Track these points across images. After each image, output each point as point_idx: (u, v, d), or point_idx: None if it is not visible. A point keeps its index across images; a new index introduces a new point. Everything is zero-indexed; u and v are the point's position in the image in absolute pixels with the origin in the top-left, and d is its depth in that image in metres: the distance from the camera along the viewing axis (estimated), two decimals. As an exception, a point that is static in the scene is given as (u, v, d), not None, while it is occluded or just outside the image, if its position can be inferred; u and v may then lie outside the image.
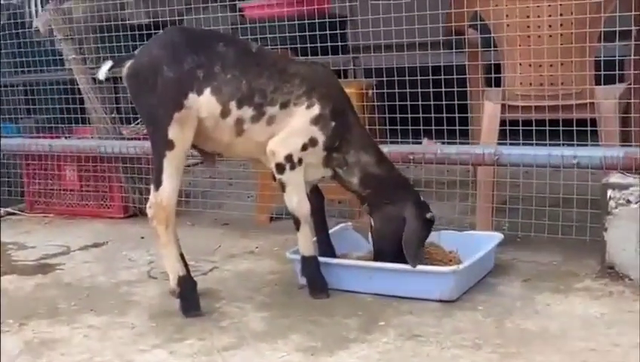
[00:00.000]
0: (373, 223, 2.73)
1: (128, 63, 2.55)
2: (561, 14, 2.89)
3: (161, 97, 2.47)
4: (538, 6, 2.91)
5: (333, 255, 2.80)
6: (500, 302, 2.57)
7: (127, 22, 4.39)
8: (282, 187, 2.63)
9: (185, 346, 2.36)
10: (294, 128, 2.58)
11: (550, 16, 2.91)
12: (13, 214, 4.26)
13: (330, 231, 3.01)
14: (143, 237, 3.61)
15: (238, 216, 3.81)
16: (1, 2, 4.81)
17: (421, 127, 3.22)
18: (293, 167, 2.59)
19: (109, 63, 2.58)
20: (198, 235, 3.62)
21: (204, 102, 2.50)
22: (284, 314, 2.56)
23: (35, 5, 5.90)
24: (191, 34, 2.66)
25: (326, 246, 2.82)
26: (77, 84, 4.00)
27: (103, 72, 2.58)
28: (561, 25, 2.91)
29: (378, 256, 2.72)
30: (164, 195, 2.52)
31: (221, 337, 2.41)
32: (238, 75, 2.52)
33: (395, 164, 3.28)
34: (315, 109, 2.58)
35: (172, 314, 2.62)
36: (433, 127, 3.16)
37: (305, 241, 2.67)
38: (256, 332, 2.45)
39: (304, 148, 2.59)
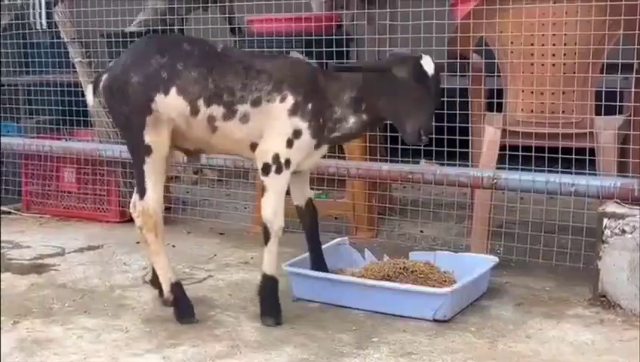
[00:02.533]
0: (384, 109, 2.54)
1: (104, 77, 2.59)
2: (565, 44, 2.94)
3: (132, 104, 2.51)
4: (543, 35, 2.96)
5: (325, 270, 2.81)
6: (492, 324, 2.60)
7: (128, 29, 4.44)
8: (263, 190, 2.56)
9: (178, 352, 2.37)
10: (275, 125, 2.54)
11: (554, 45, 2.96)
12: (9, 213, 4.27)
13: (326, 246, 3.04)
14: (138, 242, 3.59)
15: (234, 227, 3.83)
16: (5, 2, 4.84)
17: (421, 148, 3.25)
18: (279, 170, 2.53)
19: (90, 87, 2.63)
20: (194, 243, 3.64)
21: (171, 102, 2.52)
22: (277, 326, 2.57)
23: (40, 7, 5.94)
24: (158, 39, 2.74)
25: (319, 261, 2.82)
26: (81, 87, 4.02)
27: (90, 99, 2.64)
28: (564, 54, 2.96)
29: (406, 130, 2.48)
30: (149, 202, 2.53)
31: (214, 345, 2.43)
32: (205, 73, 2.53)
33: (394, 183, 3.33)
34: (289, 100, 2.54)
35: (165, 320, 2.64)
36: (434, 148, 3.19)
37: (270, 258, 2.58)
38: (249, 342, 2.46)
39: (289, 143, 2.53)
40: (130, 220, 4.00)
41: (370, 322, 2.61)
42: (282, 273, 2.78)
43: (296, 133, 2.55)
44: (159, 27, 4.54)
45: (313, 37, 3.59)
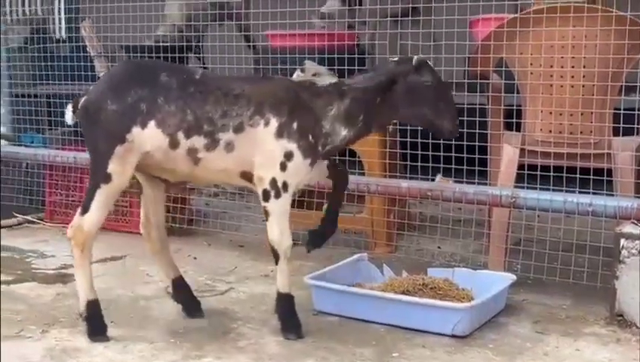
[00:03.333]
0: (400, 114, 2.60)
1: (82, 100, 2.59)
2: (584, 66, 3.00)
3: (104, 131, 2.52)
4: (562, 57, 3.01)
5: (331, 230, 2.75)
6: (510, 341, 2.64)
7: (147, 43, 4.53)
8: (266, 215, 2.57)
9: (203, 364, 2.43)
10: (264, 150, 2.52)
11: (573, 67, 3.02)
12: (32, 223, 4.35)
13: (345, 262, 3.10)
14: (160, 254, 3.69)
15: (254, 239, 3.89)
16: (26, 15, 4.94)
17: (441, 165, 3.31)
18: (278, 195, 2.52)
19: (69, 107, 2.63)
20: (215, 255, 3.70)
21: (148, 136, 2.51)
22: (299, 339, 2.62)
23: (59, 22, 6.05)
24: (136, 67, 2.71)
25: (329, 222, 2.74)
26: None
27: (69, 118, 2.63)
28: (583, 76, 3.01)
29: (436, 124, 2.56)
30: (86, 222, 2.57)
31: (238, 357, 2.49)
32: (182, 105, 2.51)
33: (413, 199, 3.38)
34: (274, 122, 2.51)
35: (190, 331, 2.70)
36: (453, 166, 3.25)
37: (282, 278, 2.61)
38: (272, 354, 2.52)
39: (283, 167, 2.52)
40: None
41: (390, 337, 2.66)
42: (301, 286, 2.83)
43: (288, 156, 2.52)
44: (177, 43, 4.63)
45: (329, 54, 3.64)
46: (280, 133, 2.52)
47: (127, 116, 2.51)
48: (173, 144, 2.52)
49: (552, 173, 3.07)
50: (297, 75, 2.70)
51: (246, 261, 3.61)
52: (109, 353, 2.53)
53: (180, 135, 2.52)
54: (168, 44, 4.69)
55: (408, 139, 3.40)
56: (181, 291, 2.85)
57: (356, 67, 3.42)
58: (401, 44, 3.41)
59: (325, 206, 2.82)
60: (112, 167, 2.52)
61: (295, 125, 2.53)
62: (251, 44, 5.20)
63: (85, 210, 2.57)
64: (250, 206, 4.32)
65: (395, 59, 2.66)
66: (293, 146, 2.53)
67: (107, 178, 2.53)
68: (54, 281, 3.31)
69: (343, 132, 2.58)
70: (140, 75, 2.58)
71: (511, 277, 2.93)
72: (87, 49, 4.13)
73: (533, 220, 3.48)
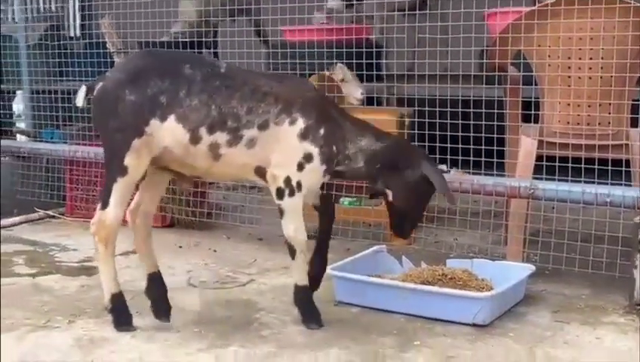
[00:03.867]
0: (392, 192, 2.64)
1: (98, 86, 2.52)
2: (602, 58, 3.02)
3: (121, 122, 2.45)
4: (580, 49, 3.03)
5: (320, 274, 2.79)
6: (530, 330, 2.67)
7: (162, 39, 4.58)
8: (281, 213, 2.58)
9: (229, 352, 2.48)
10: (286, 148, 2.53)
11: (591, 59, 3.04)
12: (53, 217, 4.41)
13: (365, 253, 3.14)
14: (180, 246, 3.75)
15: (272, 232, 3.92)
16: (41, 13, 5.00)
17: (459, 158, 3.33)
18: (292, 193, 2.54)
19: (84, 88, 2.54)
20: (234, 248, 3.75)
21: (167, 130, 2.47)
22: (321, 329, 2.67)
23: (74, 18, 6.11)
24: (157, 57, 2.63)
25: (318, 266, 2.76)
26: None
27: (80, 98, 2.54)
28: (601, 68, 3.03)
29: (400, 223, 2.71)
30: (108, 217, 2.54)
31: (262, 346, 2.53)
32: (206, 99, 2.47)
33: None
34: (300, 123, 2.52)
35: (214, 321, 2.75)
36: (471, 158, 3.27)
37: (299, 271, 2.65)
38: (295, 343, 2.56)
39: (300, 167, 2.54)
40: (171, 225, 4.18)
41: (411, 326, 2.69)
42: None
43: (307, 157, 2.54)
44: (191, 39, 4.67)
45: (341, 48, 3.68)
46: (305, 135, 2.54)
47: (145, 108, 2.45)
48: (195, 139, 2.49)
49: (570, 165, 3.09)
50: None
51: (265, 253, 3.66)
52: (136, 342, 2.58)
53: (203, 130, 2.48)
54: (182, 40, 4.75)
55: (426, 132, 3.42)
56: (155, 287, 2.74)
57: (368, 60, 3.44)
58: (413, 37, 3.42)
59: (314, 245, 2.75)
60: (128, 160, 2.48)
61: (322, 131, 2.55)
62: (262, 39, 5.24)
63: (105, 205, 2.55)
64: (266, 200, 4.36)
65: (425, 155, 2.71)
66: (314, 150, 2.55)
67: (124, 171, 2.49)
68: (78, 274, 3.36)
69: (360, 164, 2.63)
70: (161, 66, 2.52)
71: (530, 268, 2.96)
72: (107, 45, 4.18)
73: (551, 211, 3.50)
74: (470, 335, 2.61)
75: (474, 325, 2.66)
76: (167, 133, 2.48)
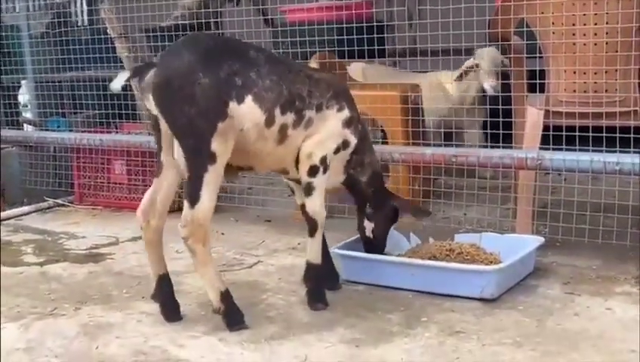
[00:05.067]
0: (374, 224, 2.81)
1: (152, 72, 2.36)
2: (607, 23, 2.94)
3: (201, 107, 2.32)
4: (584, 14, 2.95)
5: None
6: (539, 302, 2.63)
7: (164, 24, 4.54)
8: (310, 190, 2.58)
9: (234, 334, 2.46)
10: (329, 131, 2.59)
11: (596, 24, 2.96)
12: (63, 205, 4.42)
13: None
14: (188, 231, 3.73)
15: (280, 214, 3.91)
16: (47, 0, 4.98)
17: (464, 131, 3.28)
18: (325, 171, 2.59)
19: (125, 74, 2.43)
20: (242, 231, 3.73)
21: (246, 111, 2.40)
22: (327, 308, 2.65)
23: (81, 6, 6.08)
24: (224, 41, 2.60)
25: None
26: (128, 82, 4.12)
27: (118, 83, 2.42)
28: (607, 33, 2.96)
29: (378, 249, 2.86)
30: (201, 213, 2.37)
31: (268, 327, 2.51)
32: (277, 80, 2.46)
33: (438, 166, 3.37)
34: (346, 112, 2.62)
35: (220, 304, 2.73)
36: (477, 131, 3.22)
37: (317, 248, 2.66)
38: (302, 323, 2.54)
39: (337, 150, 2.61)
40: (179, 209, 4.16)
41: (418, 302, 2.67)
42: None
43: (345, 144, 2.64)
44: (194, 21, 4.63)
45: (342, 24, 3.63)
46: (348, 124, 2.63)
47: (223, 90, 2.35)
48: (270, 121, 2.45)
49: (577, 134, 3.03)
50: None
51: (273, 235, 3.63)
52: (141, 327, 2.57)
53: (277, 111, 2.46)
54: (182, 22, 4.70)
55: (433, 107, 3.37)
56: (163, 290, 2.63)
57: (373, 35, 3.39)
58: (419, 9, 3.36)
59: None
60: (215, 146, 2.33)
61: (360, 127, 2.69)
62: (268, 17, 5.19)
63: (195, 201, 2.35)
64: (274, 182, 4.34)
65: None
66: (353, 140, 2.65)
67: (212, 158, 2.33)
68: (86, 261, 3.36)
69: (364, 178, 2.75)
70: (227, 48, 2.46)
71: (539, 240, 2.91)
72: (108, 31, 4.15)
73: (559, 183, 3.45)
74: (478, 309, 2.58)
75: (482, 299, 2.63)
76: (246, 114, 2.40)
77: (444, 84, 3.97)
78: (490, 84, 3.75)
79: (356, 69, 4.20)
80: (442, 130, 3.84)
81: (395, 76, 4.03)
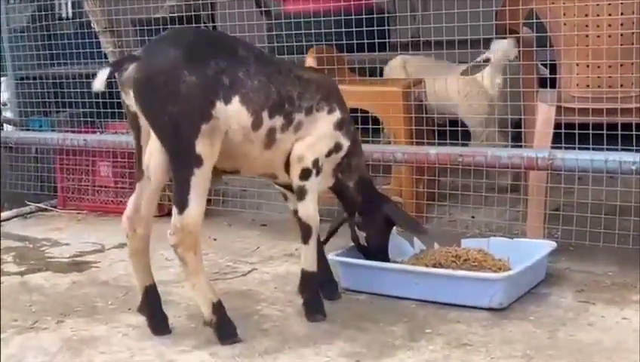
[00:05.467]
0: (365, 233, 2.83)
1: (133, 66, 2.33)
2: (621, 13, 2.93)
3: (185, 106, 2.29)
4: (598, 4, 2.95)
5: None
6: (552, 312, 2.62)
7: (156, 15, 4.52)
8: (302, 194, 2.59)
9: (226, 348, 2.45)
10: (321, 133, 2.59)
11: (610, 15, 2.95)
12: (45, 210, 4.41)
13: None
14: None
15: (276, 218, 3.90)
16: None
17: (470, 128, 3.27)
18: (317, 173, 2.59)
19: (106, 70, 2.34)
20: (236, 236, 3.72)
21: (233, 113, 2.38)
22: (326, 319, 2.63)
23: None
24: (208, 35, 2.56)
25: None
26: (113, 78, 4.11)
27: (101, 81, 2.34)
28: (621, 24, 2.94)
29: (377, 259, 2.85)
30: (190, 219, 2.35)
31: (262, 340, 2.50)
32: (266, 81, 2.45)
33: (443, 166, 3.36)
34: (337, 114, 2.63)
35: (212, 315, 2.71)
36: (485, 130, 3.21)
37: (312, 255, 2.65)
38: (298, 336, 2.53)
39: (329, 153, 2.62)
40: (168, 214, 4.15)
41: (422, 313, 2.65)
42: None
43: (337, 147, 2.65)
44: (191, 13, 4.62)
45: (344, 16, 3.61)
46: (339, 126, 2.64)
47: (209, 89, 2.32)
48: (257, 124, 2.44)
49: (591, 131, 3.01)
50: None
51: (269, 240, 3.63)
52: (128, 340, 2.56)
53: (265, 114, 2.45)
54: (178, 14, 4.69)
55: (439, 102, 3.36)
56: (150, 302, 2.60)
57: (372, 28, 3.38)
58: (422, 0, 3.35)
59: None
60: (200, 148, 2.31)
61: (352, 128, 2.71)
62: (264, 8, 5.18)
63: (183, 206, 2.33)
64: (269, 183, 4.32)
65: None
66: (346, 143, 2.66)
67: (198, 161, 2.31)
68: (69, 270, 3.35)
69: (351, 183, 2.76)
70: (214, 44, 2.43)
71: (551, 245, 2.90)
72: (92, 25, 4.14)
73: (572, 183, 3.43)
74: (486, 320, 2.57)
75: (490, 309, 2.62)
76: (232, 116, 2.39)
77: (480, 79, 3.84)
78: (497, 83, 3.70)
79: (396, 63, 4.13)
80: (485, 128, 3.71)
81: (438, 69, 3.93)
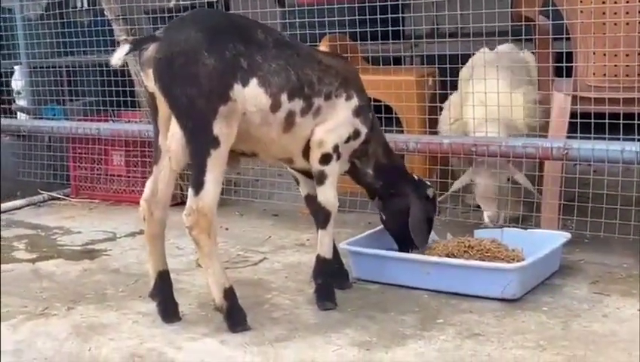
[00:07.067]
0: (385, 217, 2.83)
1: (153, 46, 2.34)
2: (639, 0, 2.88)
3: (203, 88, 2.30)
4: (615, -9, 2.90)
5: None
6: (565, 303, 2.59)
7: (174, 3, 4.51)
8: (322, 179, 2.59)
9: (236, 336, 2.43)
10: (340, 119, 2.60)
11: (628, 2, 2.90)
12: (58, 199, 4.41)
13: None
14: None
15: (288, 207, 3.88)
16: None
17: (485, 118, 3.23)
18: (338, 158, 2.60)
19: (126, 47, 2.36)
20: (248, 225, 3.71)
21: (250, 95, 2.39)
22: (336, 308, 2.61)
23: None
24: (229, 19, 2.54)
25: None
26: (126, 66, 4.11)
27: (118, 57, 2.35)
28: (639, 11, 2.89)
29: (403, 243, 2.85)
30: (206, 200, 2.34)
31: (273, 328, 2.48)
32: (284, 64, 2.46)
33: (457, 156, 3.32)
34: (355, 101, 2.63)
35: (222, 303, 2.70)
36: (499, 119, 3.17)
37: (328, 241, 2.65)
38: (308, 324, 2.51)
39: (348, 140, 2.62)
40: (182, 203, 4.14)
41: (434, 303, 2.63)
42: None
43: (356, 134, 2.64)
44: (203, 0, 4.61)
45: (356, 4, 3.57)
46: (357, 113, 2.64)
47: (228, 71, 2.34)
48: (275, 106, 2.44)
49: (607, 121, 2.97)
50: None
51: (280, 230, 3.61)
52: (138, 327, 2.55)
53: (284, 97, 2.45)
54: (191, 2, 4.68)
55: (448, 92, 3.33)
56: (162, 287, 2.59)
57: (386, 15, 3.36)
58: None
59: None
60: (217, 129, 2.31)
61: (370, 116, 2.70)
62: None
63: (199, 188, 2.33)
64: (282, 173, 4.31)
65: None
66: (364, 130, 2.66)
67: (215, 142, 2.32)
68: (81, 258, 3.35)
69: (369, 170, 2.75)
70: (234, 27, 2.43)
71: (565, 236, 2.87)
72: (105, 13, 4.13)
73: (588, 173, 3.39)
74: (499, 310, 2.54)
75: (503, 300, 2.59)
76: (250, 98, 2.39)
77: None
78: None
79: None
80: None
81: None
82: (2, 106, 4.74)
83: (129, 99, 4.25)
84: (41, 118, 4.59)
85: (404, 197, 2.77)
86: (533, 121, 3.28)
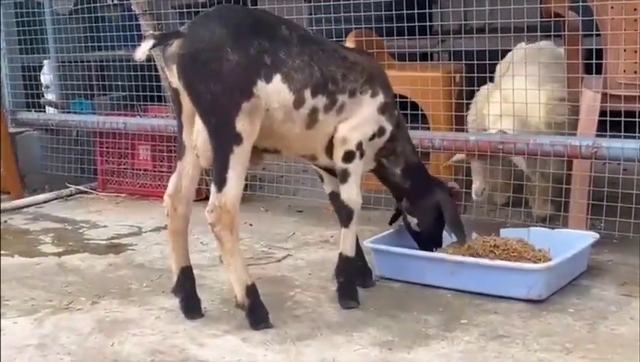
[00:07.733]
0: (417, 219, 2.78)
1: (178, 42, 2.35)
2: (672, -4, 2.82)
3: (226, 84, 2.31)
4: (647, -13, 2.84)
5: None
6: (593, 305, 2.55)
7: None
8: (345, 176, 2.57)
9: (258, 333, 2.42)
10: (365, 116, 2.57)
11: (660, -3, 2.84)
12: (85, 193, 4.44)
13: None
14: (215, 221, 3.71)
15: (313, 204, 3.87)
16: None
17: (513, 116, 3.19)
18: (361, 156, 2.57)
19: (150, 41, 2.35)
20: (272, 221, 3.70)
21: (273, 91, 2.38)
22: (359, 307, 2.60)
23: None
24: (251, 14, 2.54)
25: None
26: (153, 61, 4.12)
27: (142, 51, 2.34)
28: (672, 8, 2.84)
29: (427, 245, 2.83)
30: (228, 197, 2.34)
31: (295, 326, 2.47)
32: (308, 60, 2.45)
33: (484, 154, 3.28)
34: (380, 97, 2.60)
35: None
36: (527, 117, 3.13)
37: (351, 239, 2.63)
38: (330, 323, 2.49)
39: (372, 137, 2.60)
40: (206, 198, 4.14)
41: (458, 303, 2.60)
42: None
43: (381, 131, 2.62)
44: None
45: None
46: (383, 110, 2.61)
47: (251, 68, 2.34)
48: (299, 102, 2.43)
49: (638, 119, 2.91)
50: None
51: (304, 226, 3.60)
52: (160, 323, 2.55)
53: (307, 93, 2.44)
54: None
55: (475, 88, 3.29)
56: (185, 283, 2.59)
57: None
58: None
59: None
60: (240, 126, 2.32)
61: (396, 113, 2.67)
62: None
63: (222, 184, 2.34)
64: (307, 169, 4.29)
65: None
66: (389, 127, 2.63)
67: (237, 139, 2.32)
68: (106, 252, 3.37)
69: (397, 170, 2.72)
70: (258, 23, 2.43)
71: (593, 236, 2.83)
72: (132, 7, 4.14)
73: (617, 173, 3.33)
74: (524, 311, 2.50)
75: (529, 301, 2.55)
76: (273, 94, 2.39)
77: None
78: None
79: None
80: None
81: None
82: (31, 100, 4.78)
83: (156, 94, 4.26)
84: (69, 113, 4.61)
85: (431, 196, 2.73)
86: (557, 119, 3.22)
